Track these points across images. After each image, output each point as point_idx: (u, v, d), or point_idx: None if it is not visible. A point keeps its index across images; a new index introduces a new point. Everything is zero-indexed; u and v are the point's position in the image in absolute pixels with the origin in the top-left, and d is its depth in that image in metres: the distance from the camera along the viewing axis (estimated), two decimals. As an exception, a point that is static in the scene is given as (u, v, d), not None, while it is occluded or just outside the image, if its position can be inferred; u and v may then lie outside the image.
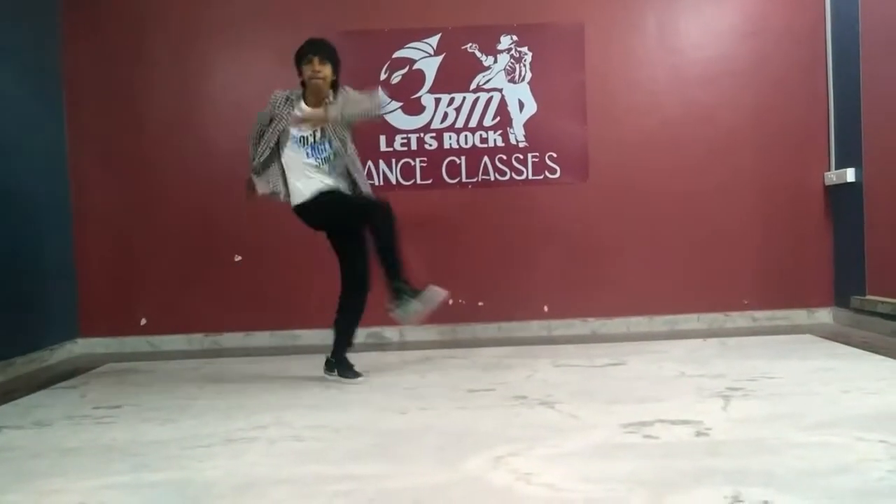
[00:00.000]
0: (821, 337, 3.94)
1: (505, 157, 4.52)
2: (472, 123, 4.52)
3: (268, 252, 4.48)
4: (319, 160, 3.14)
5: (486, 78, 4.52)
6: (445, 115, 4.51)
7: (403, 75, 4.51)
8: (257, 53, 4.53)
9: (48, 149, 4.33)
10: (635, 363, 3.41)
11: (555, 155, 4.52)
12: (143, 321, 4.54)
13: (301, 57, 3.13)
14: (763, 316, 4.51)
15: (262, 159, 3.16)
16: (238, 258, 4.51)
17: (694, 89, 4.50)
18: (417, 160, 4.50)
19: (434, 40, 4.51)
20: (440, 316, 4.49)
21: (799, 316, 4.52)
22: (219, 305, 4.51)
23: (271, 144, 3.13)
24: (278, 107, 3.13)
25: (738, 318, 4.51)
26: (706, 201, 4.51)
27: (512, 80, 4.52)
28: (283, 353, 4.21)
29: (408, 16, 4.50)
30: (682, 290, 4.51)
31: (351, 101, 3.14)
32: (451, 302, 4.52)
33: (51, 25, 4.41)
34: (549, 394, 2.83)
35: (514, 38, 4.51)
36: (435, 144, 4.51)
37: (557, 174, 4.52)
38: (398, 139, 4.49)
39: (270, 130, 3.11)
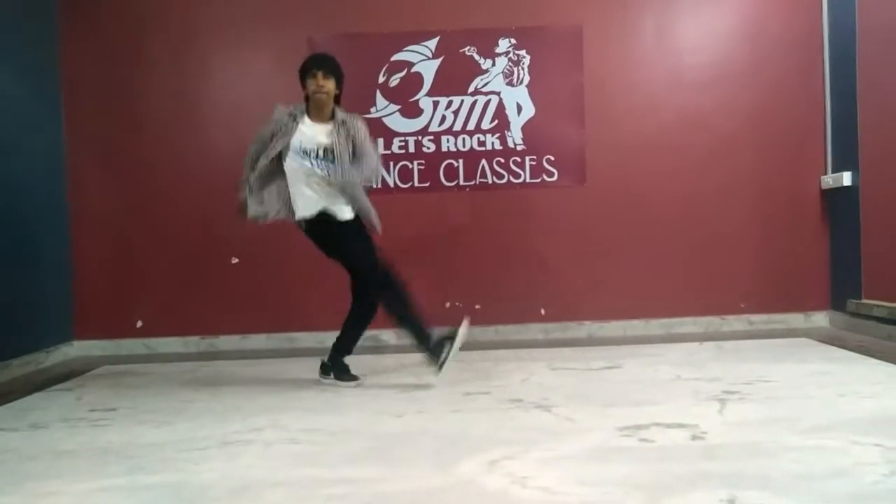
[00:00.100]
0: (817, 340, 3.94)
1: (503, 161, 4.52)
2: (470, 126, 4.52)
3: (265, 254, 4.48)
4: (323, 170, 3.13)
5: (485, 81, 4.52)
6: (443, 118, 4.52)
7: (402, 78, 4.51)
8: (257, 54, 4.53)
9: (46, 149, 4.32)
10: (631, 366, 3.42)
11: (553, 158, 4.52)
12: (140, 323, 4.53)
13: (305, 71, 3.15)
14: (759, 319, 4.52)
15: (258, 174, 3.13)
16: (235, 261, 4.50)
17: (691, 92, 4.51)
18: (415, 163, 4.51)
19: (432, 43, 4.51)
20: (437, 319, 4.50)
21: (795, 319, 4.53)
22: (215, 308, 4.50)
23: (271, 155, 3.11)
24: (282, 123, 3.12)
25: (735, 322, 4.52)
26: (703, 204, 4.52)
27: (510, 83, 4.52)
28: (280, 355, 4.21)
29: (406, 19, 4.51)
30: (678, 294, 4.51)
31: (359, 153, 3.16)
32: (448, 305, 4.54)
33: (49, 25, 4.41)
34: (545, 397, 2.83)
35: (513, 41, 4.51)
36: (433, 147, 4.51)
37: (555, 177, 4.53)
38: (396, 142, 4.50)
39: (272, 144, 3.10)
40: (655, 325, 4.52)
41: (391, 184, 4.50)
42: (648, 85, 4.52)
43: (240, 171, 4.54)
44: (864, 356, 3.44)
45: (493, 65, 4.52)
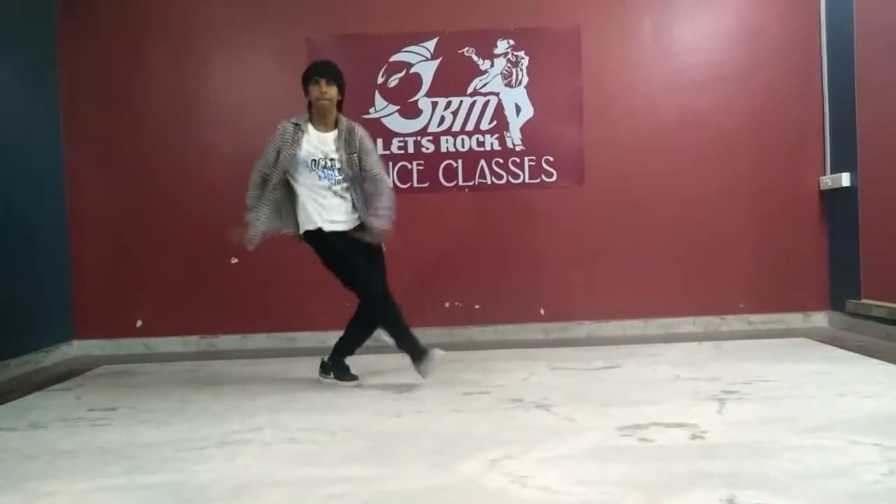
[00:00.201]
0: (816, 340, 3.95)
1: (502, 161, 4.53)
2: (469, 127, 4.53)
3: (264, 254, 4.44)
4: (331, 182, 3.13)
5: (483, 82, 4.53)
6: (442, 119, 4.52)
7: (400, 79, 4.51)
8: (256, 54, 4.54)
9: (45, 149, 4.32)
10: (631, 366, 3.42)
11: (551, 158, 4.53)
12: (139, 323, 4.53)
13: (308, 78, 3.16)
14: (758, 319, 4.52)
15: (269, 189, 3.13)
16: (234, 260, 4.50)
17: (690, 94, 4.52)
18: (414, 163, 4.51)
19: (431, 44, 4.51)
20: (437, 319, 4.52)
21: (794, 319, 4.53)
22: (215, 308, 4.50)
23: (283, 167, 3.11)
24: (287, 134, 3.12)
25: (734, 322, 4.52)
26: (702, 205, 4.52)
27: (509, 84, 4.52)
28: (280, 355, 4.21)
29: (405, 20, 4.51)
30: (677, 294, 4.52)
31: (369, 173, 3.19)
32: (447, 305, 4.54)
33: (48, 25, 4.41)
34: (545, 397, 2.83)
35: (511, 42, 4.52)
36: (432, 148, 4.52)
37: (554, 178, 4.53)
38: (395, 142, 4.50)
39: (280, 156, 3.10)
40: (655, 325, 4.52)
41: (390, 184, 4.48)
42: (647, 86, 4.52)
43: (239, 170, 4.56)
44: (863, 356, 3.44)
45: (492, 66, 4.53)
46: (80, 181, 4.49)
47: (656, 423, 2.36)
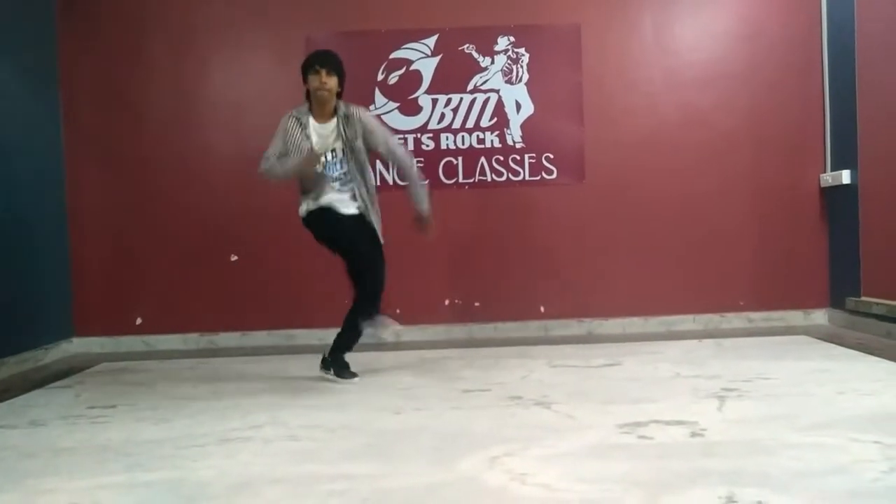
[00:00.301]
0: (816, 338, 3.95)
1: (502, 158, 4.52)
2: (469, 124, 4.52)
3: (264, 252, 4.48)
4: (333, 175, 3.13)
5: (484, 79, 4.52)
6: (442, 116, 4.51)
7: (400, 76, 4.51)
8: (256, 53, 4.53)
9: (45, 148, 4.32)
10: (631, 364, 3.42)
11: (551, 156, 4.52)
12: (139, 321, 4.53)
13: (308, 68, 3.14)
14: (759, 317, 4.52)
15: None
16: (234, 258, 4.50)
17: (690, 91, 4.51)
18: (414, 161, 4.49)
19: (431, 41, 4.51)
20: (437, 316, 4.52)
21: (794, 317, 4.53)
22: (215, 305, 4.50)
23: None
24: (294, 135, 3.12)
25: (734, 319, 4.52)
26: (702, 202, 4.52)
27: (509, 81, 4.52)
28: (280, 352, 4.21)
29: (405, 16, 4.50)
30: (678, 291, 4.51)
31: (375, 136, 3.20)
32: (447, 302, 4.54)
33: (48, 25, 4.40)
34: (545, 394, 2.83)
35: (512, 39, 4.51)
36: (432, 145, 4.51)
37: (554, 175, 4.53)
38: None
39: (291, 152, 3.11)
40: (655, 323, 4.52)
41: (390, 181, 4.49)
42: (647, 83, 4.52)
43: (239, 169, 4.57)
44: (863, 354, 3.44)
45: (492, 63, 4.52)
46: (81, 180, 4.49)
47: (656, 421, 2.36)
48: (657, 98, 4.51)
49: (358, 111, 3.22)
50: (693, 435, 2.21)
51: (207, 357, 4.14)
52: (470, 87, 4.51)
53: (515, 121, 4.52)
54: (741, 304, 4.54)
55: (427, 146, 4.51)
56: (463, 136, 4.52)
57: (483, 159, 4.52)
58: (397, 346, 4.31)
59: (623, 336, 4.36)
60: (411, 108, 4.51)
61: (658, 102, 4.51)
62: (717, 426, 2.29)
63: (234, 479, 1.96)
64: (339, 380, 3.21)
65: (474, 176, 4.52)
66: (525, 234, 4.52)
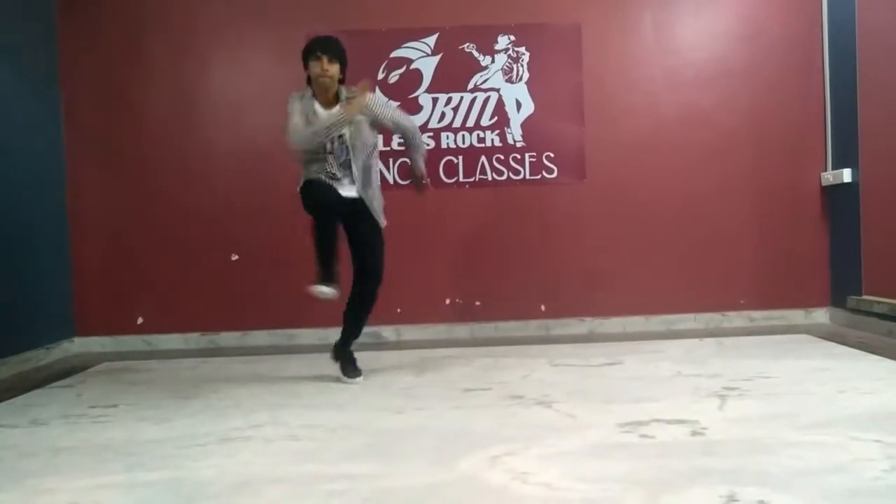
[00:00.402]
0: (817, 337, 3.94)
1: (502, 157, 4.52)
2: (470, 123, 4.52)
3: (265, 251, 4.49)
4: (338, 159, 3.10)
5: (484, 78, 4.52)
6: (443, 115, 4.51)
7: (401, 75, 4.51)
8: (256, 53, 4.53)
9: (46, 148, 4.32)
10: (632, 363, 3.42)
11: (552, 155, 4.52)
12: (140, 320, 4.53)
13: (309, 53, 3.08)
14: (760, 316, 4.52)
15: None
16: (235, 257, 4.50)
17: (691, 91, 4.51)
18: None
19: (431, 40, 4.51)
20: (438, 316, 4.52)
21: (796, 316, 4.52)
22: (216, 305, 4.50)
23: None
24: (309, 110, 3.08)
25: (735, 318, 4.52)
26: (703, 202, 4.52)
27: (509, 80, 4.52)
28: (281, 352, 4.21)
29: (405, 15, 4.50)
30: (679, 290, 4.51)
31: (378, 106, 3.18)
32: (448, 301, 4.54)
33: (49, 25, 4.40)
34: (546, 393, 2.83)
35: (512, 38, 4.51)
36: (432, 144, 4.51)
37: (555, 174, 4.52)
38: (395, 138, 4.48)
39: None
40: (656, 322, 4.52)
41: (391, 180, 4.50)
42: (648, 83, 4.51)
43: (240, 168, 4.57)
44: (864, 352, 3.44)
45: (493, 61, 4.52)
46: (81, 179, 4.49)
47: (657, 420, 2.36)
48: (658, 97, 4.51)
49: (362, 94, 3.14)
50: (694, 434, 2.21)
51: (208, 356, 4.14)
52: (470, 86, 4.51)
53: (516, 120, 4.51)
54: (742, 302, 4.53)
55: (427, 145, 4.50)
56: (463, 135, 4.52)
57: (483, 158, 4.52)
58: (398, 345, 4.31)
59: (624, 335, 4.36)
60: (411, 108, 4.49)
61: (659, 102, 4.51)
62: (718, 425, 2.29)
63: (234, 478, 1.96)
64: (342, 377, 3.20)
65: (475, 175, 4.52)
66: (526, 234, 4.52)
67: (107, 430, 2.54)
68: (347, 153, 3.11)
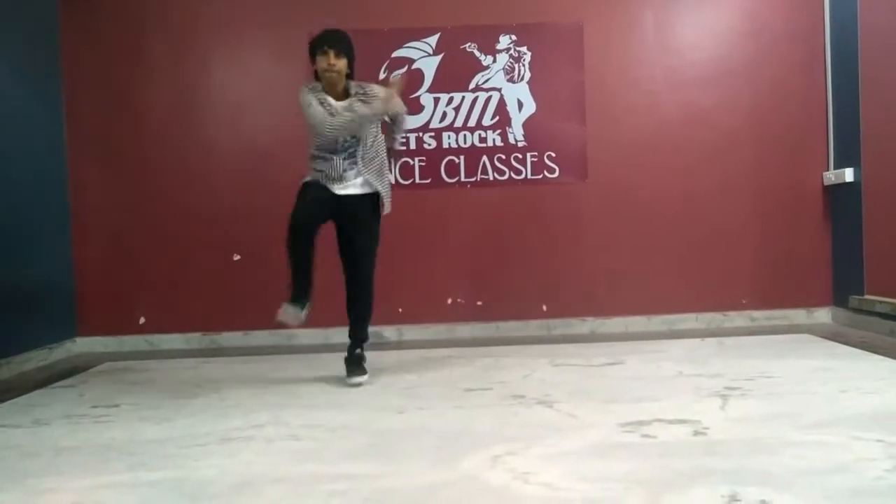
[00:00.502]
0: (819, 336, 3.94)
1: (504, 157, 4.52)
2: (471, 123, 4.52)
3: (267, 251, 4.47)
4: (347, 150, 3.10)
5: (485, 77, 4.52)
6: (444, 115, 4.51)
7: (402, 75, 4.50)
8: (257, 52, 4.53)
9: (47, 148, 4.32)
10: (633, 363, 3.41)
11: (554, 155, 4.52)
12: (142, 320, 4.54)
13: (316, 47, 3.04)
14: (761, 316, 4.51)
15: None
16: (237, 257, 4.51)
17: (693, 90, 4.50)
18: (416, 159, 4.50)
19: (433, 40, 4.50)
20: (439, 315, 4.52)
21: (797, 316, 4.52)
22: (217, 305, 4.51)
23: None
24: (326, 102, 3.05)
25: (737, 318, 4.51)
26: (705, 201, 4.51)
27: (511, 80, 4.51)
28: (281, 352, 4.21)
29: (407, 15, 4.50)
30: (680, 290, 4.51)
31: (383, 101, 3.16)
32: (449, 301, 4.54)
33: (49, 25, 4.41)
34: (547, 393, 2.82)
35: (513, 37, 4.51)
36: (434, 144, 4.51)
37: (556, 174, 4.52)
38: (397, 138, 4.48)
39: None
40: (657, 322, 4.51)
41: (392, 180, 4.48)
42: (649, 82, 4.51)
43: (241, 167, 4.58)
44: (866, 352, 3.43)
45: (494, 61, 4.52)
46: (83, 179, 4.50)
47: (659, 420, 2.36)
48: (659, 97, 4.51)
49: (371, 87, 3.16)
50: (696, 433, 2.20)
51: (210, 357, 4.14)
52: (472, 85, 4.51)
53: (517, 119, 4.51)
54: (744, 302, 4.53)
55: (429, 145, 4.51)
56: (465, 135, 4.52)
57: (485, 158, 4.52)
58: (399, 345, 4.31)
59: (625, 335, 4.36)
60: (413, 107, 4.49)
61: (660, 101, 4.51)
62: (720, 425, 2.29)
63: (235, 478, 1.96)
64: (347, 378, 3.17)
65: (476, 175, 4.52)
66: (527, 233, 4.51)
67: (109, 429, 2.54)
68: (357, 143, 3.11)
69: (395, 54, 4.50)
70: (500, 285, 4.52)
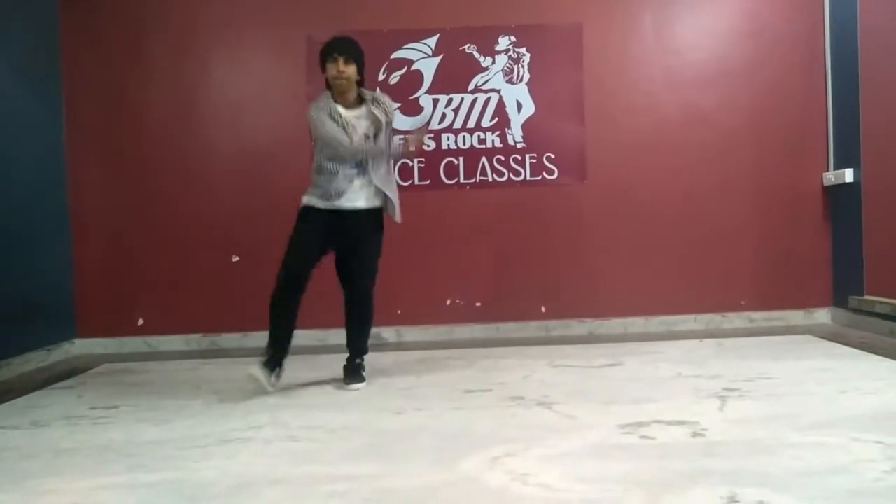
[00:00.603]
0: (819, 337, 3.94)
1: (503, 158, 4.52)
2: (471, 124, 4.52)
3: (266, 252, 4.45)
4: (355, 163, 3.08)
5: (485, 79, 4.52)
6: (444, 116, 4.51)
7: (402, 76, 4.51)
8: (256, 53, 4.53)
9: (47, 148, 4.32)
10: (632, 364, 3.41)
11: (553, 156, 4.52)
12: (141, 321, 4.53)
13: (326, 55, 3.04)
14: (760, 317, 4.51)
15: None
16: (236, 258, 4.51)
17: (692, 90, 4.51)
18: (415, 161, 4.50)
19: (432, 41, 4.51)
20: (438, 317, 4.52)
21: (796, 316, 4.52)
22: (216, 306, 4.50)
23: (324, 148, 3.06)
24: (338, 120, 3.03)
25: (736, 319, 4.51)
26: (704, 202, 4.51)
27: (510, 81, 4.52)
28: (281, 353, 4.20)
29: (406, 17, 4.50)
30: (679, 291, 4.51)
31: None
32: (448, 302, 4.54)
33: (50, 25, 4.41)
34: (546, 394, 2.82)
35: (513, 38, 4.51)
36: (433, 145, 4.51)
37: (555, 175, 4.52)
38: (395, 139, 4.48)
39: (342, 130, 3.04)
40: (656, 323, 4.51)
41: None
42: (648, 83, 4.51)
43: (240, 168, 4.58)
44: (865, 353, 3.44)
45: (493, 62, 4.52)
46: (82, 180, 4.50)
47: (657, 421, 2.36)
48: (658, 97, 4.51)
49: (387, 100, 3.16)
50: (694, 435, 2.20)
51: (209, 358, 4.14)
52: (471, 87, 4.51)
53: (516, 121, 4.51)
54: (743, 303, 4.53)
55: (428, 146, 4.51)
56: (464, 136, 4.52)
57: (484, 159, 4.52)
58: (398, 346, 4.31)
59: (624, 336, 4.36)
60: (412, 109, 4.50)
61: (659, 102, 4.51)
62: (719, 426, 2.29)
63: (234, 479, 1.96)
64: (344, 386, 3.16)
65: (475, 176, 4.52)
66: (526, 235, 4.52)
67: (107, 431, 2.54)
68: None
69: (394, 55, 4.50)
70: (499, 286, 4.52)
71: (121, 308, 4.51)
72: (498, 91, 4.51)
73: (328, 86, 3.11)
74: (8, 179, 3.88)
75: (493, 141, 4.51)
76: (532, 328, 4.53)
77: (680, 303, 4.51)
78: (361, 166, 3.09)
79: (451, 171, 4.52)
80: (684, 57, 4.52)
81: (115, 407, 2.92)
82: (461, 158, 4.52)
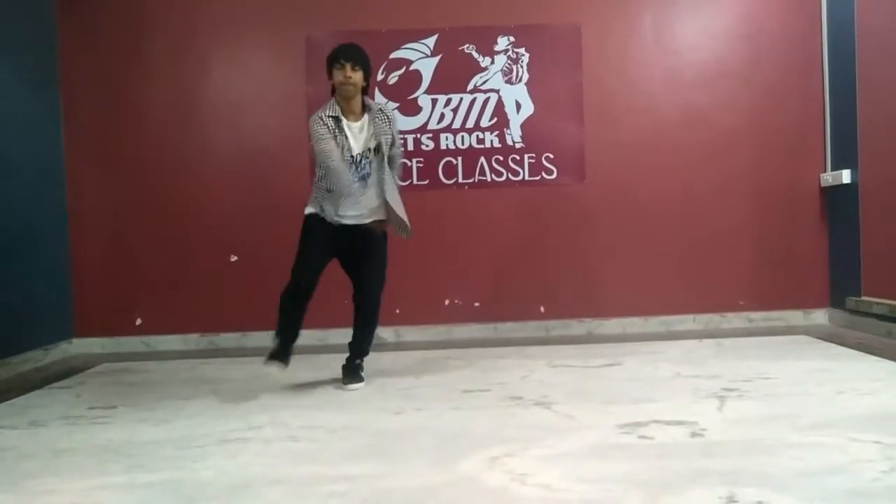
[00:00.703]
0: (816, 338, 3.95)
1: (502, 158, 4.52)
2: (469, 124, 4.52)
3: (264, 252, 4.48)
4: (364, 174, 3.09)
5: (484, 79, 4.52)
6: (442, 116, 4.51)
7: (400, 76, 4.51)
8: (256, 53, 4.53)
9: (45, 148, 4.32)
10: (631, 364, 3.42)
11: (552, 156, 4.52)
12: (139, 321, 4.53)
13: (333, 61, 3.06)
14: (759, 317, 4.52)
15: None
16: (234, 258, 4.50)
17: (690, 91, 4.51)
18: (414, 161, 4.50)
19: (431, 41, 4.51)
20: (437, 317, 4.52)
21: (794, 317, 4.53)
22: (215, 306, 4.50)
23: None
24: (339, 134, 3.04)
25: (734, 319, 4.52)
26: (702, 202, 4.52)
27: (509, 81, 4.52)
28: (280, 353, 4.20)
29: (405, 16, 4.50)
30: (678, 291, 4.51)
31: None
32: (447, 302, 4.54)
33: (48, 25, 4.40)
34: (545, 394, 2.83)
35: (512, 39, 4.51)
36: (432, 145, 4.51)
37: (554, 175, 4.53)
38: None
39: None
40: (655, 323, 4.52)
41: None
42: (647, 84, 4.52)
43: (239, 168, 4.57)
44: (863, 353, 3.44)
45: (492, 63, 4.52)
46: (81, 180, 4.49)
47: (657, 421, 2.36)
48: (657, 98, 4.51)
49: (388, 110, 3.17)
50: (693, 435, 2.21)
51: (208, 358, 4.14)
52: (470, 87, 4.51)
53: (515, 121, 4.52)
54: (741, 303, 4.54)
55: (427, 146, 4.51)
56: (463, 136, 4.52)
57: (483, 159, 4.52)
58: (397, 346, 4.31)
59: (623, 336, 4.36)
60: (411, 108, 4.51)
61: (658, 102, 4.51)
62: (718, 426, 2.29)
63: (234, 479, 1.96)
64: (344, 386, 3.16)
65: (474, 176, 4.52)
66: (525, 235, 4.52)
67: (106, 431, 2.54)
68: (371, 167, 3.10)
69: (393, 55, 4.50)
70: (498, 286, 4.52)
71: (119, 308, 4.51)
72: (497, 91, 4.51)
73: (333, 92, 3.12)
74: (7, 179, 3.87)
75: (491, 141, 4.51)
76: (531, 328, 4.53)
77: (679, 303, 4.52)
78: (364, 179, 3.10)
79: (450, 171, 4.52)
80: (683, 57, 4.53)
81: (114, 407, 2.92)
82: (460, 158, 4.52)
